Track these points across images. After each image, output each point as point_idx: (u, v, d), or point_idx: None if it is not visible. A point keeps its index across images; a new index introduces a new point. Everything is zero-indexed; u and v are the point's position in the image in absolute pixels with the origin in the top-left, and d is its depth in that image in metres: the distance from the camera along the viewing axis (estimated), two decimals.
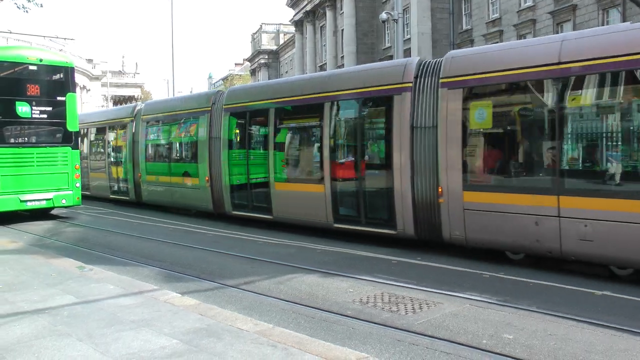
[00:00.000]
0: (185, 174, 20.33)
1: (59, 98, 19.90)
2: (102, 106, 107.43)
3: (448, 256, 11.63)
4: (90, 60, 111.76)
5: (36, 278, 9.78)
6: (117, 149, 25.04)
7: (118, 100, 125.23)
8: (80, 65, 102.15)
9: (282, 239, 14.24)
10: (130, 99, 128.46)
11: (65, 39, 37.40)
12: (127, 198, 23.73)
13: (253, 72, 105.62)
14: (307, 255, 12.30)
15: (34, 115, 19.30)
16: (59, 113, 19.81)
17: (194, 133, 19.91)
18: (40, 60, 19.66)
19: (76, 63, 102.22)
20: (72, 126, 20.05)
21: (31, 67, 19.50)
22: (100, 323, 7.12)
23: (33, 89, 19.35)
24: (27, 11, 21.05)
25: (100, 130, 26.57)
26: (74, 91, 20.70)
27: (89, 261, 11.58)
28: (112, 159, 25.53)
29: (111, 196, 24.99)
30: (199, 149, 19.30)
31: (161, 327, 6.84)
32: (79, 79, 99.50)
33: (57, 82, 20.16)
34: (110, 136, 25.69)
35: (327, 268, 10.70)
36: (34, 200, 18.96)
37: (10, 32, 42.22)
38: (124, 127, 24.19)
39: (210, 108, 18.90)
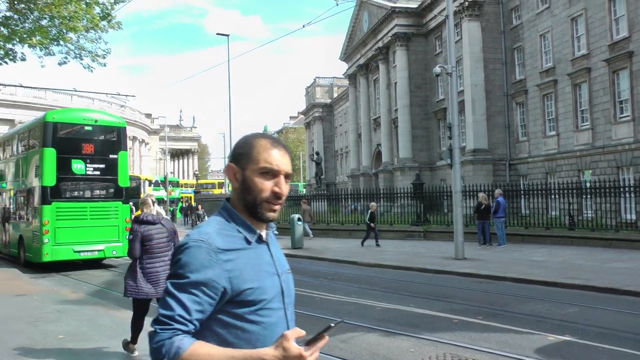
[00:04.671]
0: None
1: (111, 156, 21.23)
2: (160, 159, 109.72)
3: (504, 317, 11.33)
4: (149, 115, 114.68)
5: (97, 329, 9.93)
6: None
7: (175, 154, 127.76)
8: (139, 120, 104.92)
9: (340, 296, 14.12)
10: (187, 152, 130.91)
11: (126, 95, 38.27)
12: None
13: (307, 126, 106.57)
14: (367, 312, 12.15)
15: (88, 172, 20.62)
16: (112, 170, 21.13)
17: None
18: (96, 121, 21.43)
19: (136, 118, 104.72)
20: (123, 182, 21.40)
21: (87, 128, 21.24)
22: None
23: (88, 148, 20.78)
24: (91, 71, 21.80)
25: None
26: (126, 149, 22.16)
27: (149, 313, 11.63)
28: None
29: None
30: None
31: None
32: (138, 133, 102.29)
33: (110, 141, 21.66)
34: None
35: (387, 326, 10.51)
36: (87, 250, 20.11)
37: (75, 91, 43.68)
38: None
39: None
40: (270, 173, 2.42)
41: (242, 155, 2.47)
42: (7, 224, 23.98)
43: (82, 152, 20.63)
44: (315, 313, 11.90)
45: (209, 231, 2.36)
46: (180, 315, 2.22)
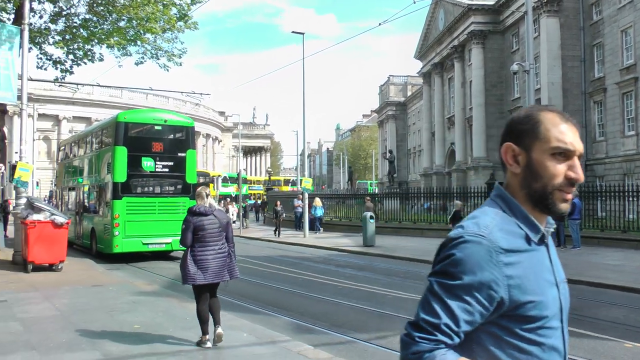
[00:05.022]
0: None
1: (180, 154, 22.37)
2: (233, 156, 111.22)
3: (579, 322, 10.95)
4: (222, 113, 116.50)
5: (171, 320, 10.18)
6: None
7: (248, 151, 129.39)
8: (213, 117, 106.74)
9: (412, 294, 14.06)
10: (260, 149, 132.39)
11: (201, 94, 38.91)
12: None
13: (380, 124, 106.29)
14: None
15: (157, 169, 21.82)
16: (180, 167, 22.26)
17: None
18: (165, 121, 22.75)
19: (210, 116, 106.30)
20: (190, 179, 22.47)
21: (157, 127, 22.54)
22: None
23: (157, 146, 22.02)
24: (167, 70, 22.39)
25: None
26: (194, 148, 23.41)
27: (221, 307, 11.87)
28: None
29: None
30: None
31: None
32: (212, 130, 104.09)
33: (179, 140, 22.90)
34: None
35: None
36: (155, 243, 21.35)
37: (151, 89, 44.70)
38: None
39: None
40: (564, 154, 1.98)
41: (526, 132, 2.01)
42: (80, 216, 25.36)
43: (152, 150, 21.79)
44: (389, 311, 11.95)
45: (489, 225, 1.95)
46: (446, 325, 1.85)
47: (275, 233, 34.02)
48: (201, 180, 55.50)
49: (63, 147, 33.42)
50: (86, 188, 25.39)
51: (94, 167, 24.16)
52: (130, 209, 20.99)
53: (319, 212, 36.69)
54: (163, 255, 22.45)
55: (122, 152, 21.20)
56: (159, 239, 21.26)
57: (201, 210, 8.62)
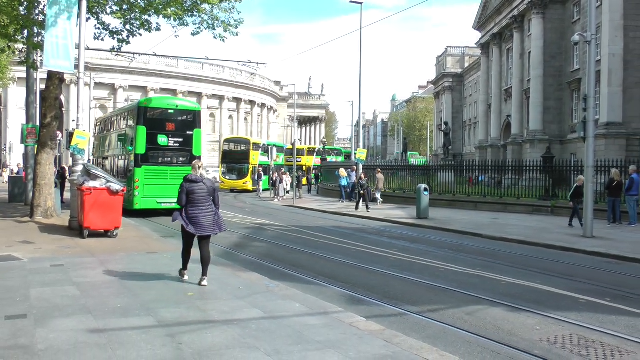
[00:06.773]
0: None
1: (188, 132, 27.75)
2: (287, 126, 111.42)
3: (633, 301, 10.74)
4: (278, 83, 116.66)
5: (225, 289, 10.28)
6: None
7: (303, 121, 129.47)
8: (268, 87, 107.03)
9: (464, 268, 13.93)
10: (314, 119, 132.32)
11: (257, 63, 39.06)
12: None
13: (437, 95, 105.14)
14: (491, 286, 11.93)
15: (169, 144, 27.27)
16: (188, 143, 27.58)
17: None
18: (177, 106, 28.46)
19: (265, 86, 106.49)
20: (196, 152, 27.63)
21: (170, 111, 28.15)
22: (287, 340, 7.31)
23: (170, 126, 27.49)
24: (223, 40, 22.41)
25: None
26: (200, 127, 28.83)
27: (274, 277, 12.04)
28: None
29: None
30: None
31: (347, 351, 6.89)
32: (267, 100, 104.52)
33: (188, 121, 28.27)
34: None
35: (512, 302, 10.27)
36: (167, 202, 25.69)
37: (207, 59, 44.93)
38: None
39: None
40: None
41: None
42: None
43: (166, 129, 27.19)
44: (442, 284, 11.85)
45: None
46: None
47: (364, 207, 31.48)
48: (243, 148, 56.32)
49: (99, 123, 40.72)
50: (115, 158, 31.72)
51: (121, 141, 29.97)
52: (147, 175, 26.45)
53: (344, 182, 39.48)
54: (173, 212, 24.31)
55: (142, 130, 26.66)
56: (170, 199, 24.82)
57: (193, 178, 10.69)
